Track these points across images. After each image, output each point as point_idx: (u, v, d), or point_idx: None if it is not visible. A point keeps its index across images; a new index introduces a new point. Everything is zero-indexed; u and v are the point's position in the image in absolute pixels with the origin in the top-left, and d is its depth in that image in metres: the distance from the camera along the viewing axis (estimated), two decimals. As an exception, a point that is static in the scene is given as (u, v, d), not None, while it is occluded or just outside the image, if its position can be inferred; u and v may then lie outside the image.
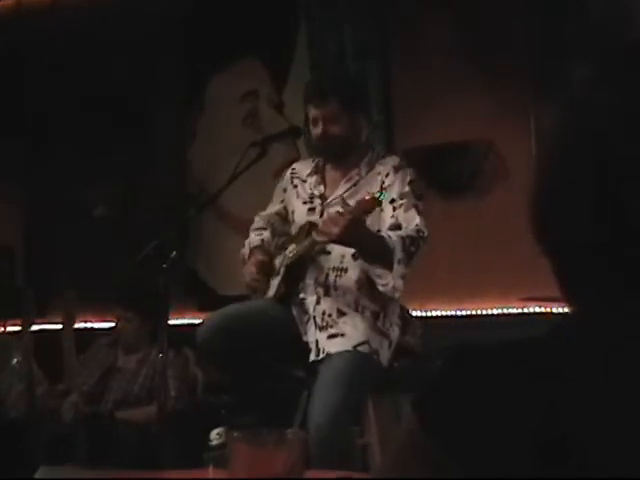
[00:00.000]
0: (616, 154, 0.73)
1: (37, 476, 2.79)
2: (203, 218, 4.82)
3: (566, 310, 0.79)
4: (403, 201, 2.92)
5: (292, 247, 3.11)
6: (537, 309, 4.09)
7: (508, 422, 0.69)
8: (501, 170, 4.27)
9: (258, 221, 3.30)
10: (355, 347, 2.90)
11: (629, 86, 0.75)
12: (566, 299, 0.79)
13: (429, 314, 4.39)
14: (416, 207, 2.91)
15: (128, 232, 5.00)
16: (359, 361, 2.88)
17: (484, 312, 4.33)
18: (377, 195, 2.71)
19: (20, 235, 5.98)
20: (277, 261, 3.16)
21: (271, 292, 3.10)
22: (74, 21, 5.70)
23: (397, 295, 2.88)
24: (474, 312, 4.36)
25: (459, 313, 4.40)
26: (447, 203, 4.47)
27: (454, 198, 4.47)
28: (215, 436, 2.88)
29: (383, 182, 2.98)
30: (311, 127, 3.06)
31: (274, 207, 3.27)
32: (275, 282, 3.11)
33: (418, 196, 2.95)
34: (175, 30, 5.39)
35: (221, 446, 2.80)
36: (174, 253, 2.86)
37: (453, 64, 4.51)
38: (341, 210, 2.71)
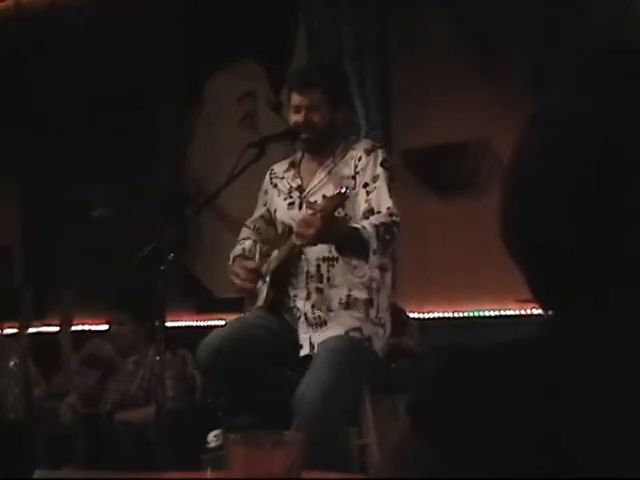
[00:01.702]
0: (589, 160, 0.73)
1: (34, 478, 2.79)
2: (201, 220, 4.82)
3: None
4: (376, 184, 2.90)
5: (275, 253, 3.10)
6: (534, 311, 4.08)
7: (501, 423, 0.69)
8: (499, 170, 4.26)
9: (244, 231, 3.29)
10: (347, 332, 2.87)
11: (601, 95, 0.75)
12: (538, 301, 0.79)
13: (426, 316, 4.39)
14: (388, 188, 2.90)
15: (126, 233, 5.00)
16: (352, 345, 2.85)
17: (480, 314, 4.33)
18: (343, 190, 2.68)
19: (19, 236, 5.99)
20: (263, 267, 3.15)
21: (260, 301, 3.09)
22: (74, 21, 5.71)
23: (374, 285, 2.89)
24: (470, 314, 4.36)
25: (455, 315, 4.41)
26: (444, 203, 4.47)
27: (451, 198, 4.47)
28: (213, 438, 2.89)
29: (356, 166, 2.96)
30: (291, 114, 3.05)
31: (259, 211, 3.26)
32: (263, 290, 3.10)
33: (390, 177, 2.94)
34: (174, 30, 5.40)
35: (219, 448, 2.81)
36: (172, 255, 2.86)
37: (452, 64, 4.51)
38: (310, 210, 2.69)
